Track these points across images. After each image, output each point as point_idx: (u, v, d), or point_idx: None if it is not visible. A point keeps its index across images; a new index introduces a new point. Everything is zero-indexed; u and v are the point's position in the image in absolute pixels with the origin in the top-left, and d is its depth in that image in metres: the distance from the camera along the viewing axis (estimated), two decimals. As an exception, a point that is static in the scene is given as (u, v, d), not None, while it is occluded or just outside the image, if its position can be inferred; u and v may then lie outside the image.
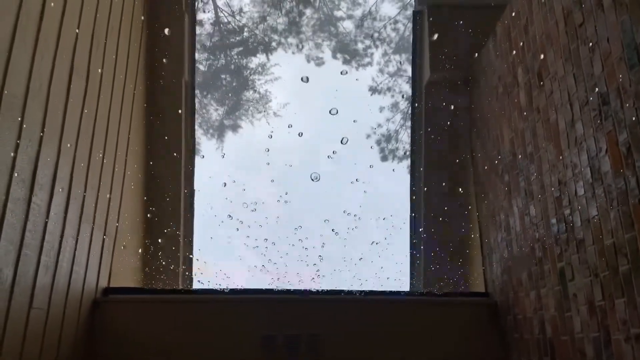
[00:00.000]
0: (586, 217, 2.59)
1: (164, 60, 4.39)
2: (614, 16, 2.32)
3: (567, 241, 2.79)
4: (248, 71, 7.95)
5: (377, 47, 8.35)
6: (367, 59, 8.37)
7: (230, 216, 4.42)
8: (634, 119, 2.17)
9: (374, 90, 8.31)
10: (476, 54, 4.35)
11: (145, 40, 4.24)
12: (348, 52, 8.26)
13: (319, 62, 8.20)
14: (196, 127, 7.51)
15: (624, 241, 2.26)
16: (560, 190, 2.87)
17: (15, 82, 2.37)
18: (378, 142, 8.52)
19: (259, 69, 7.95)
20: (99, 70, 3.30)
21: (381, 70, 8.44)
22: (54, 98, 2.72)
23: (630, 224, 2.21)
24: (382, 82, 8.47)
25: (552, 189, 2.96)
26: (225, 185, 4.59)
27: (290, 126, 4.54)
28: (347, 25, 8.34)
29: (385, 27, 8.23)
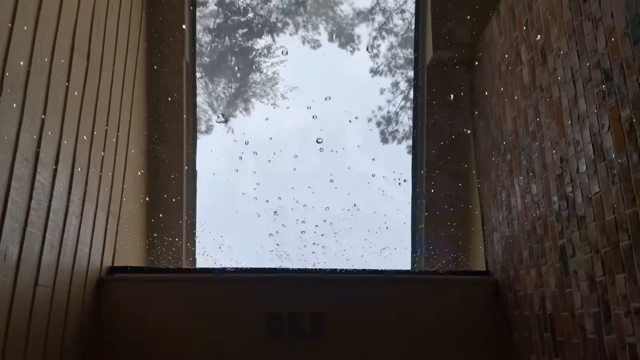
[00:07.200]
0: (587, 193, 2.59)
1: (160, 34, 4.37)
2: (619, -10, 2.29)
3: (568, 218, 2.80)
4: (254, 53, 7.83)
5: (380, 30, 8.28)
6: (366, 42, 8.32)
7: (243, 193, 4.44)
8: (637, 94, 2.16)
9: (374, 71, 8.24)
10: (480, 32, 4.31)
11: (145, 20, 4.21)
12: (345, 36, 8.20)
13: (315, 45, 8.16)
14: (205, 106, 7.47)
15: (625, 216, 2.27)
16: (562, 167, 2.87)
17: (16, 61, 2.36)
18: (378, 124, 8.48)
19: (265, 50, 7.83)
20: (100, 49, 3.29)
21: (381, 54, 8.39)
22: (55, 77, 2.72)
23: (631, 199, 2.22)
24: (382, 63, 8.40)
25: (554, 167, 2.96)
26: (237, 170, 4.63)
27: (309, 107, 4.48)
28: (345, 8, 8.24)
29: (388, 9, 8.16)
